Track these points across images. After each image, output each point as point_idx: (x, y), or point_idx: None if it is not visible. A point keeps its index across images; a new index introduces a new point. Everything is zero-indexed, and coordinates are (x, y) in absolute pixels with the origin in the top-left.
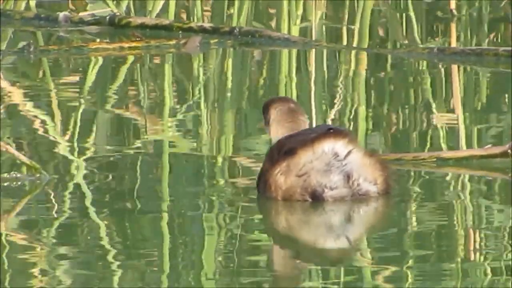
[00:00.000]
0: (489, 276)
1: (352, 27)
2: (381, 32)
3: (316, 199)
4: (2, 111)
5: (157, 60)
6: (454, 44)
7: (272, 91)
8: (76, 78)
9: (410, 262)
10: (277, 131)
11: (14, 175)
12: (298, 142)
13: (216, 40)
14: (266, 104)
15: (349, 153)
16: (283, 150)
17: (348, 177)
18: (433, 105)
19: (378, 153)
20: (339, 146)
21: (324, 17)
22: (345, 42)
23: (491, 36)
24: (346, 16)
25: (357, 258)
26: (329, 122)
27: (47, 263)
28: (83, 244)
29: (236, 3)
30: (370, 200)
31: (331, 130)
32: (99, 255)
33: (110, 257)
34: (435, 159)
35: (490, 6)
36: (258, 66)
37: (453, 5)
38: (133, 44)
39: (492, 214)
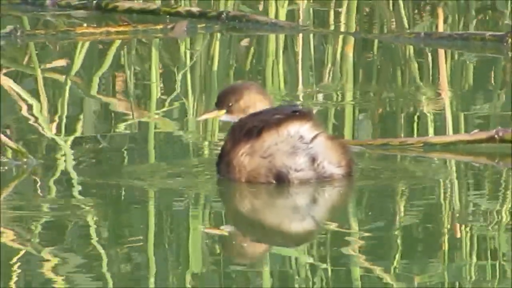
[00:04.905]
0: (474, 261)
1: (340, 9)
2: (368, 16)
3: (281, 180)
4: None
5: (144, 45)
6: (441, 28)
7: (259, 76)
8: (63, 63)
9: (384, 244)
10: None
11: (0, 160)
12: (262, 122)
13: (203, 25)
14: (239, 89)
15: (315, 136)
16: (245, 129)
17: (313, 159)
18: (420, 90)
19: (339, 137)
20: (304, 129)
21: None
22: (332, 26)
23: (478, 19)
24: None
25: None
26: (316, 107)
27: (33, 248)
28: (69, 229)
29: None
30: (336, 182)
31: (297, 113)
32: (85, 240)
33: (96, 242)
34: (422, 144)
35: None
36: (246, 50)
37: None
38: (120, 29)
39: (478, 199)
